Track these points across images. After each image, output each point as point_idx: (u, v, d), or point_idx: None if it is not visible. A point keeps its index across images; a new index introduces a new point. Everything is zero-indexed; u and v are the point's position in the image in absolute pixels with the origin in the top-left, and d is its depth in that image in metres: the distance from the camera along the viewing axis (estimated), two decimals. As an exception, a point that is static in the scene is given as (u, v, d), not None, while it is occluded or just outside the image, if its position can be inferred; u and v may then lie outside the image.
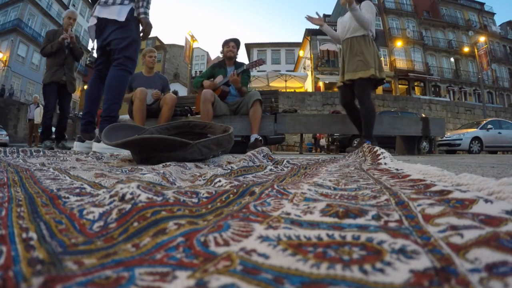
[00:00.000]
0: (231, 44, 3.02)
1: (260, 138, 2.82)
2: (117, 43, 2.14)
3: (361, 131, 2.69)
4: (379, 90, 19.92)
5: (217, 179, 0.60)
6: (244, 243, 0.24)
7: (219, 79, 2.98)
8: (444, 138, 9.19)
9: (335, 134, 7.77)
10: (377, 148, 1.15)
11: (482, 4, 24.69)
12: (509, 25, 25.17)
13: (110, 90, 2.15)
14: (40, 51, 3.56)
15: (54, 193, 0.44)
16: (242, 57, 45.57)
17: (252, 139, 2.72)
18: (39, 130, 10.21)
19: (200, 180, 0.68)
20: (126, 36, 2.14)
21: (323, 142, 11.75)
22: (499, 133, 9.24)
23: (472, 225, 0.25)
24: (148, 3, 2.15)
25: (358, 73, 2.51)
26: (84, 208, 0.34)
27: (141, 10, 2.12)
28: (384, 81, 2.62)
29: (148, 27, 2.18)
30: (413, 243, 0.22)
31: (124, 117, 4.85)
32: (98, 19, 2.15)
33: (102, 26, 2.17)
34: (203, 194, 0.42)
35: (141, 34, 2.23)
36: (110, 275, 0.19)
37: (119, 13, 2.11)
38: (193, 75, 21.78)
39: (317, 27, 2.90)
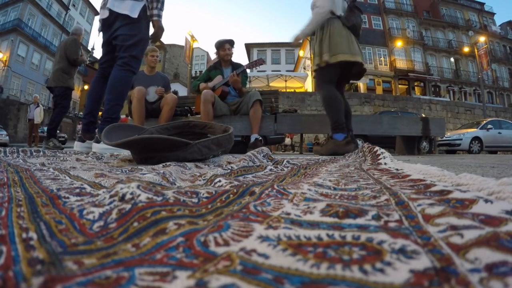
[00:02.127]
0: (227, 46, 3.00)
1: (260, 138, 2.82)
2: (124, 39, 2.07)
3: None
4: (379, 90, 19.96)
5: (217, 179, 0.60)
6: (244, 243, 0.24)
7: (217, 79, 2.98)
8: (444, 138, 9.19)
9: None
10: (377, 148, 1.15)
11: (482, 4, 24.71)
12: (509, 25, 25.18)
13: (113, 91, 2.09)
14: (76, 59, 3.94)
15: (54, 193, 0.44)
16: (242, 57, 45.55)
17: (252, 139, 2.73)
18: (39, 130, 10.23)
19: (200, 180, 0.68)
20: (135, 34, 2.07)
21: (288, 141, 11.99)
22: (499, 133, 9.24)
23: (472, 225, 0.25)
24: (163, 4, 2.08)
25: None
26: (84, 208, 0.34)
27: (155, 12, 2.04)
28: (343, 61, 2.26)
29: (160, 30, 2.11)
30: (413, 243, 0.22)
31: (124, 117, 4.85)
32: (110, 11, 2.07)
33: (112, 20, 2.09)
34: (203, 194, 0.42)
35: (152, 37, 2.17)
36: (110, 275, 0.19)
37: (131, 9, 2.03)
38: (193, 75, 21.80)
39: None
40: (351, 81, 2.63)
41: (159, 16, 2.06)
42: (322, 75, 2.36)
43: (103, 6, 2.15)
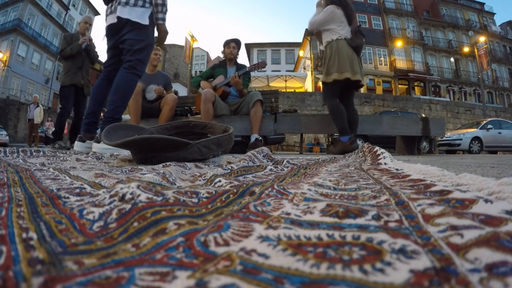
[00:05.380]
0: (232, 45, 3.02)
1: (260, 138, 2.83)
2: (132, 43, 2.12)
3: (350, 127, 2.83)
4: (379, 90, 19.97)
5: (217, 179, 0.60)
6: (244, 243, 0.24)
7: (219, 79, 2.98)
8: (444, 138, 9.19)
9: (335, 134, 7.78)
10: (377, 148, 1.15)
11: (482, 4, 24.70)
12: (509, 25, 25.17)
13: (118, 93, 2.13)
14: (59, 52, 3.73)
15: (54, 193, 0.44)
16: (242, 57, 45.60)
17: (253, 139, 2.73)
18: (40, 130, 10.23)
19: (200, 180, 0.68)
20: (143, 39, 2.13)
21: None
22: (499, 133, 9.24)
23: (472, 225, 0.25)
24: (166, 8, 2.13)
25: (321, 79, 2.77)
26: (84, 208, 0.34)
27: (160, 16, 2.11)
28: (351, 79, 2.66)
29: (165, 34, 2.17)
30: (413, 243, 0.22)
31: (126, 117, 4.84)
32: (119, 18, 2.11)
33: (120, 26, 2.14)
34: (203, 194, 0.42)
35: (157, 40, 2.22)
36: (110, 275, 0.19)
37: (142, 16, 2.10)
38: (193, 75, 21.78)
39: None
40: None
41: (164, 19, 2.13)
42: (328, 90, 2.78)
43: (111, 13, 2.19)
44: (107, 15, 2.24)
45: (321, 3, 2.86)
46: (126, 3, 2.10)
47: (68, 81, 3.61)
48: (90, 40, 3.67)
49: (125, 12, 2.09)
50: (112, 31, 2.20)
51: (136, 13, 2.09)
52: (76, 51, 3.58)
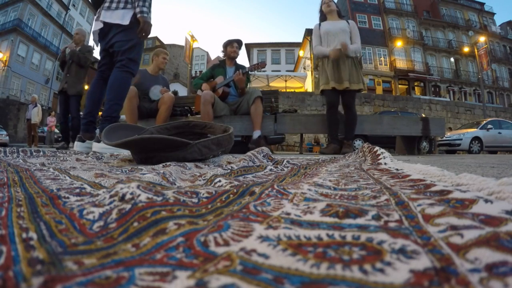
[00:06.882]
0: (235, 45, 3.06)
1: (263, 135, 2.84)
2: (121, 45, 2.16)
3: (332, 130, 3.11)
4: (379, 90, 19.96)
5: (217, 179, 0.60)
6: (244, 243, 0.24)
7: (219, 79, 2.99)
8: (444, 138, 9.19)
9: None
10: (377, 148, 1.15)
11: (482, 4, 24.70)
12: (509, 25, 25.17)
13: (112, 91, 2.16)
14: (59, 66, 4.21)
15: (54, 193, 0.44)
16: (242, 57, 45.69)
17: (255, 135, 2.73)
18: (39, 130, 10.22)
19: (200, 180, 0.68)
20: (130, 39, 2.15)
21: None
22: (499, 133, 9.24)
23: (472, 225, 0.25)
24: (144, 2, 2.13)
25: (354, 85, 2.94)
26: (84, 208, 0.34)
27: (138, 9, 2.12)
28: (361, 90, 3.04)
29: (146, 25, 2.12)
30: (413, 243, 0.22)
31: (124, 117, 4.85)
32: (104, 23, 2.17)
33: (106, 30, 2.19)
34: (203, 194, 0.42)
35: (138, 32, 2.18)
36: (110, 275, 0.19)
37: (122, 17, 2.13)
38: (193, 75, 21.78)
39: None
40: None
41: (142, 12, 2.12)
42: (355, 97, 3.05)
43: (97, 19, 2.24)
44: (94, 21, 2.30)
45: (334, 8, 3.07)
46: (109, 8, 2.15)
47: (59, 89, 4.05)
48: (73, 47, 3.97)
49: (107, 17, 2.15)
50: (100, 35, 2.26)
51: (117, 15, 2.13)
52: (61, 61, 4.04)
